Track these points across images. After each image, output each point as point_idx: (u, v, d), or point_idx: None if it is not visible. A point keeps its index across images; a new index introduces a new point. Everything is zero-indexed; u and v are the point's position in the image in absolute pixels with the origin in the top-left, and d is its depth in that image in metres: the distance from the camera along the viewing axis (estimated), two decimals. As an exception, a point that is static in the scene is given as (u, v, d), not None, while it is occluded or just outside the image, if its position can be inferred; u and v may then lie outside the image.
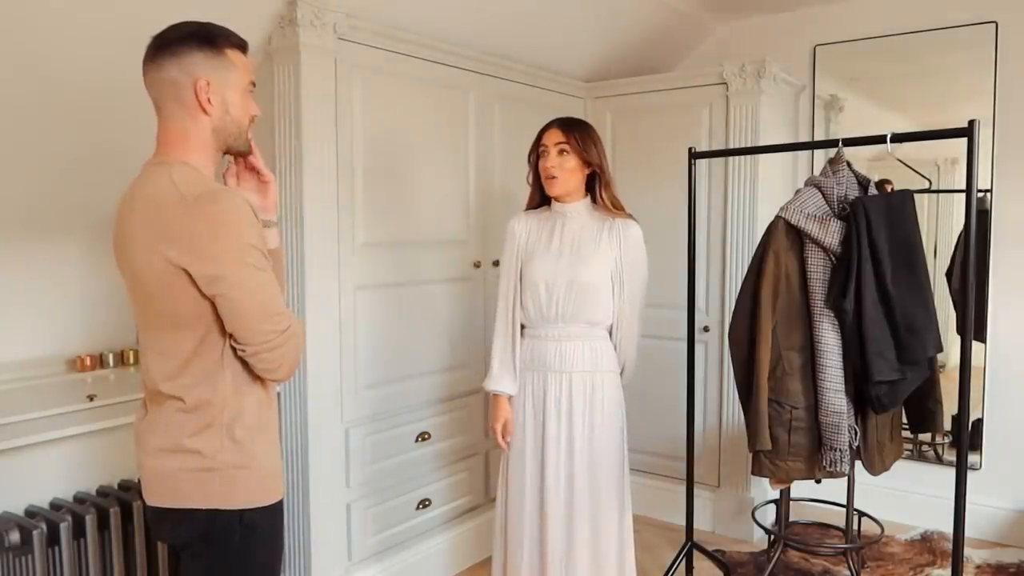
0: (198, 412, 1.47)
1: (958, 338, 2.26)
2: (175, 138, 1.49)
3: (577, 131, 2.22)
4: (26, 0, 1.90)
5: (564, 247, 2.25)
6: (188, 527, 1.50)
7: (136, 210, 1.45)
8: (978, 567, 3.12)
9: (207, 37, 1.49)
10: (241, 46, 1.55)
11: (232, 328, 1.43)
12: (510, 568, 2.31)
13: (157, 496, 1.52)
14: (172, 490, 1.49)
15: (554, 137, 2.22)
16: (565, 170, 2.21)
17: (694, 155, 2.88)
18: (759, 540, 3.36)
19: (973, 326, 2.26)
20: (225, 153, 1.57)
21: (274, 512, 1.57)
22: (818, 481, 2.56)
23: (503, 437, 2.32)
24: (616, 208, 2.25)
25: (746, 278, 2.50)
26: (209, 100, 1.48)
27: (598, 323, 2.24)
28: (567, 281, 2.21)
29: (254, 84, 1.58)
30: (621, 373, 2.33)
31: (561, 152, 2.21)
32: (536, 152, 2.28)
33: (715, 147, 3.37)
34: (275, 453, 1.60)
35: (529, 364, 2.29)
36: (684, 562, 2.95)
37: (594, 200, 2.29)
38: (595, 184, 2.27)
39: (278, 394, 2.51)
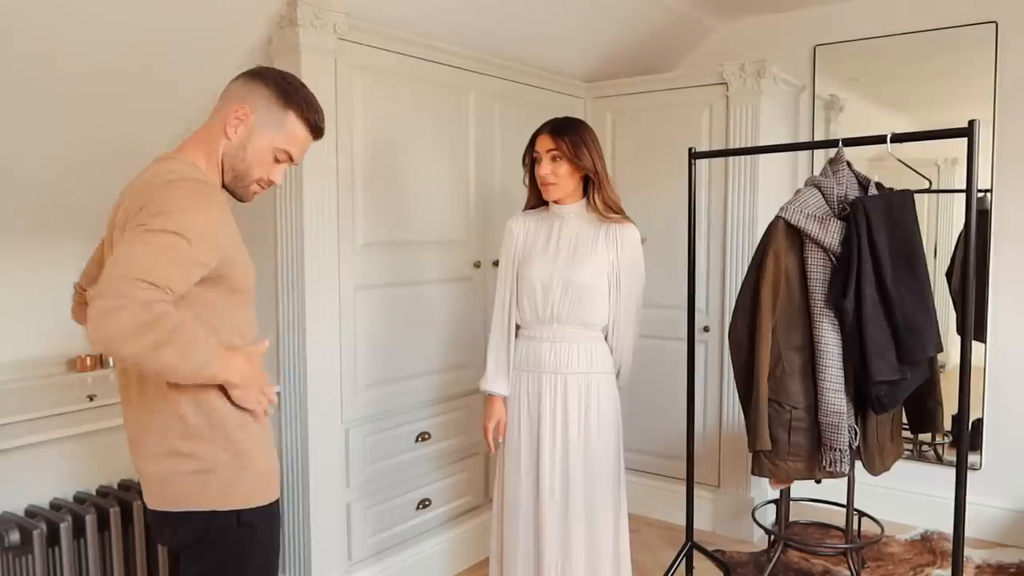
0: (188, 416, 1.47)
1: (958, 338, 2.26)
2: (198, 139, 1.53)
3: (568, 136, 2.19)
4: (28, 1, 1.90)
5: (561, 248, 2.24)
6: (187, 529, 1.50)
7: (129, 195, 1.46)
8: (978, 567, 3.12)
9: (286, 90, 1.52)
10: (312, 125, 1.55)
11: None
12: (506, 570, 2.31)
13: (157, 500, 1.52)
14: (170, 494, 1.50)
15: (545, 143, 2.21)
16: (559, 176, 2.20)
17: (694, 155, 2.88)
18: (759, 540, 3.36)
19: (973, 326, 2.26)
20: (224, 185, 1.56)
21: (271, 512, 1.58)
22: (818, 481, 2.56)
23: (495, 437, 2.32)
24: (610, 211, 2.22)
25: (746, 278, 2.50)
26: (236, 129, 1.50)
27: (594, 324, 2.24)
28: (563, 282, 2.20)
29: (292, 160, 1.57)
30: (617, 375, 2.32)
31: (554, 158, 2.20)
32: (530, 156, 2.27)
33: (715, 147, 3.37)
34: (270, 453, 1.59)
35: (524, 365, 2.29)
36: (684, 562, 2.95)
37: (589, 203, 2.28)
38: (590, 187, 2.25)
39: (277, 394, 2.52)
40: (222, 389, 1.47)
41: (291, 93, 1.53)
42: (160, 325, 1.28)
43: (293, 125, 1.53)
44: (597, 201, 2.22)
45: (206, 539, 1.50)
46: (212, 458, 1.48)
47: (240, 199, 1.60)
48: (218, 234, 1.43)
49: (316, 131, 1.58)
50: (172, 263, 1.33)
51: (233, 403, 1.48)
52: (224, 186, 1.57)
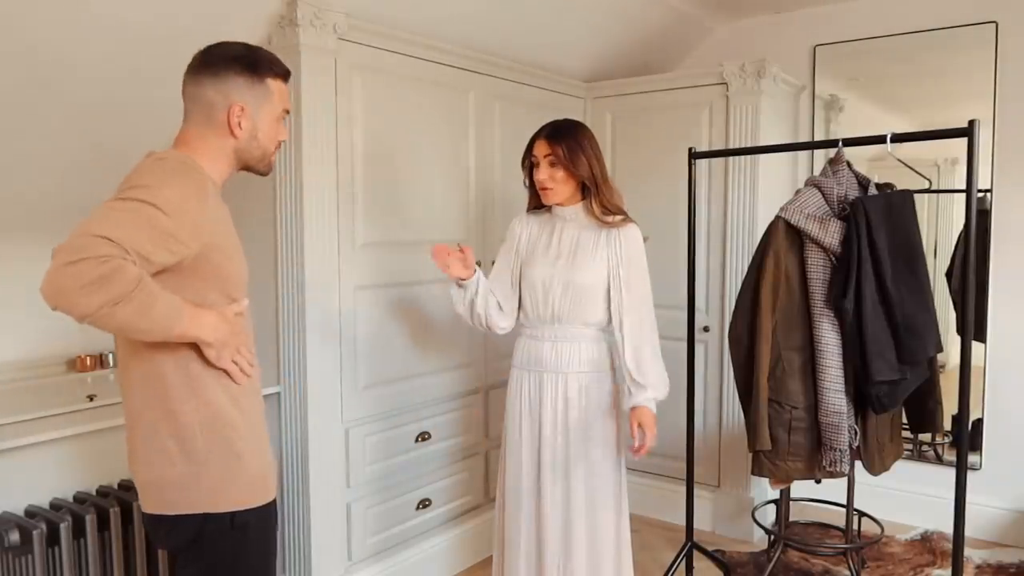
0: (176, 417, 1.47)
1: (958, 338, 2.26)
2: (193, 144, 1.53)
3: (564, 142, 2.18)
4: (30, 1, 1.90)
5: (562, 249, 2.24)
6: (181, 532, 1.50)
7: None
8: (978, 567, 3.12)
9: (251, 64, 1.53)
10: (283, 75, 1.59)
11: None
12: (508, 568, 2.31)
13: (150, 504, 1.52)
14: (163, 497, 1.49)
15: (542, 149, 2.21)
16: (557, 180, 2.20)
17: (694, 155, 2.88)
18: (759, 540, 3.37)
19: (973, 326, 2.26)
20: (243, 170, 1.60)
21: (266, 513, 1.57)
22: (818, 481, 2.56)
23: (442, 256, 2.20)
24: (609, 214, 2.21)
25: (746, 278, 2.50)
26: (240, 125, 1.52)
27: (594, 324, 2.24)
28: (564, 283, 2.20)
29: (288, 111, 1.62)
30: (631, 380, 2.21)
31: (551, 163, 2.20)
32: (528, 159, 2.27)
33: (715, 147, 3.37)
34: (264, 452, 1.58)
35: (525, 364, 2.29)
36: (684, 562, 2.95)
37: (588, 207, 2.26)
38: (588, 192, 2.24)
39: (277, 394, 2.52)
40: (204, 360, 1.46)
41: (257, 63, 1.54)
42: (116, 280, 1.25)
43: (275, 87, 1.57)
44: (595, 207, 2.21)
45: (200, 541, 1.50)
46: (203, 459, 1.47)
47: (264, 173, 1.63)
48: (201, 217, 1.41)
49: (288, 76, 1.61)
50: (138, 228, 1.31)
51: (208, 362, 1.46)
52: (247, 169, 1.60)
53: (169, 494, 1.48)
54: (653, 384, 2.19)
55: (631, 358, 2.19)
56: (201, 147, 1.52)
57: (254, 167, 1.60)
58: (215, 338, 1.44)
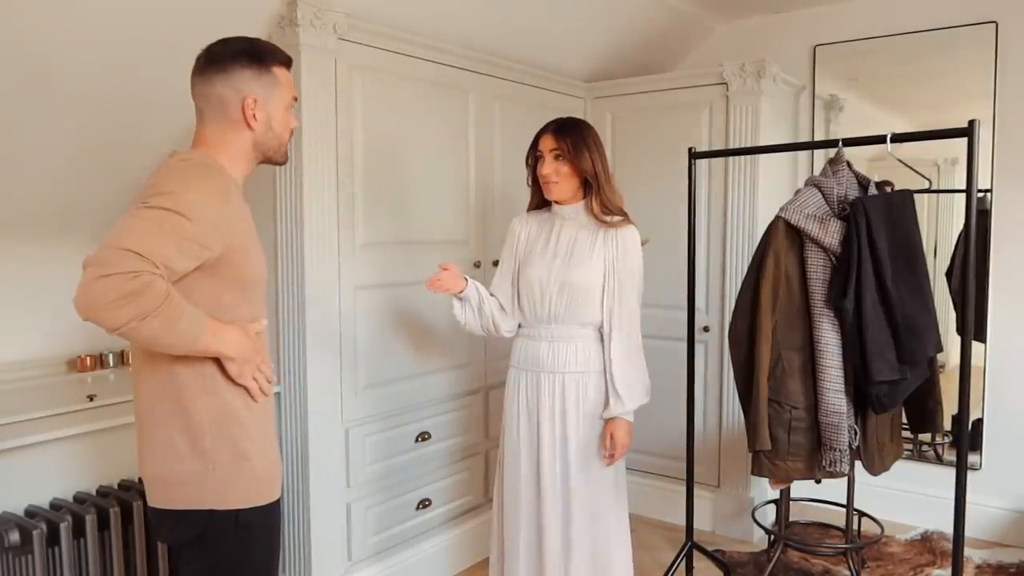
0: (188, 414, 1.47)
1: (958, 338, 2.26)
2: (213, 143, 1.54)
3: (571, 137, 2.19)
4: (28, 1, 1.90)
5: (560, 249, 2.25)
6: (185, 528, 1.51)
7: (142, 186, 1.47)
8: (978, 567, 3.12)
9: (256, 55, 1.55)
10: (286, 63, 1.61)
11: None
12: (507, 570, 2.31)
13: (156, 498, 1.53)
14: (169, 492, 1.50)
15: (548, 144, 2.21)
16: (561, 175, 2.21)
17: (694, 155, 2.88)
18: (759, 540, 3.37)
19: (973, 326, 2.26)
20: (263, 162, 1.62)
21: (270, 512, 1.58)
22: (818, 481, 2.56)
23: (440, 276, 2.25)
24: (608, 214, 2.21)
25: (746, 278, 2.50)
26: (255, 116, 1.54)
27: (591, 324, 2.23)
28: (560, 282, 2.20)
29: (296, 99, 1.65)
30: (614, 382, 2.20)
31: (556, 157, 2.20)
32: (533, 156, 2.27)
33: (715, 147, 3.37)
34: (271, 453, 1.59)
35: (522, 364, 2.29)
36: (684, 562, 2.95)
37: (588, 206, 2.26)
38: (589, 190, 2.24)
39: (277, 394, 2.52)
40: (219, 364, 1.47)
41: (262, 54, 1.56)
42: (145, 295, 1.28)
43: (281, 75, 1.59)
44: (595, 205, 2.21)
45: (205, 538, 1.51)
46: (212, 457, 1.48)
47: (281, 163, 1.66)
48: (223, 219, 1.43)
49: (291, 63, 1.64)
50: (164, 237, 1.33)
51: (230, 378, 1.48)
52: (267, 162, 1.62)
53: (176, 489, 1.49)
54: (634, 396, 2.22)
55: (618, 369, 2.21)
56: (220, 145, 1.54)
57: (272, 158, 1.62)
58: (237, 353, 1.47)
